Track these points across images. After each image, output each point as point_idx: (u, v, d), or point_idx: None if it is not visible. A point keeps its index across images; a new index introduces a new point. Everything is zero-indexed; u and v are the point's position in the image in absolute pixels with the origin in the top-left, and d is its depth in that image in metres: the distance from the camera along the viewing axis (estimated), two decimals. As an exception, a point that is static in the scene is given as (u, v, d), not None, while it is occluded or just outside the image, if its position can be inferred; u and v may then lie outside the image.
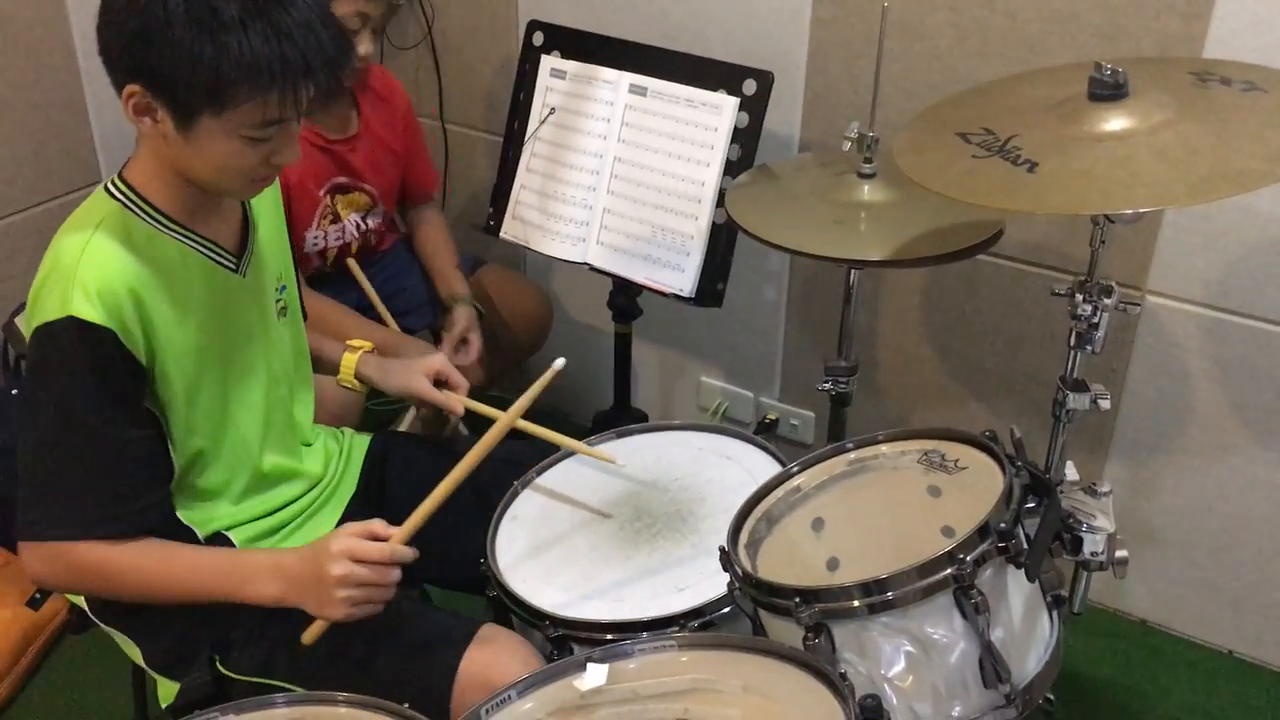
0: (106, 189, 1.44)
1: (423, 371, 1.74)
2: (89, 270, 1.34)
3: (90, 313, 1.33)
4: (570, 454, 1.76)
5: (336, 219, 2.24)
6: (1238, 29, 1.83)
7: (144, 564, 1.42)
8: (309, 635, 1.44)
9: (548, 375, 1.48)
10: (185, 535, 1.52)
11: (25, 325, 1.40)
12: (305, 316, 1.77)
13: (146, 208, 1.42)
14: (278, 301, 1.61)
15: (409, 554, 1.41)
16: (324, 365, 1.79)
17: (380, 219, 2.34)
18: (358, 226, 2.28)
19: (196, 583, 1.44)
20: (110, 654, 2.18)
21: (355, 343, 1.78)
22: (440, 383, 1.77)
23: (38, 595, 2.23)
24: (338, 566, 1.36)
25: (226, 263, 1.50)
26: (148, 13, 1.27)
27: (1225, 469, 2.13)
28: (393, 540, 1.40)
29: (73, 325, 1.33)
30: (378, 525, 1.42)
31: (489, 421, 1.76)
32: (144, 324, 1.38)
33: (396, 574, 1.40)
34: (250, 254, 1.54)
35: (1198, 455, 2.15)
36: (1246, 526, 2.16)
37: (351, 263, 2.33)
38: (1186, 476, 2.18)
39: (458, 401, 1.76)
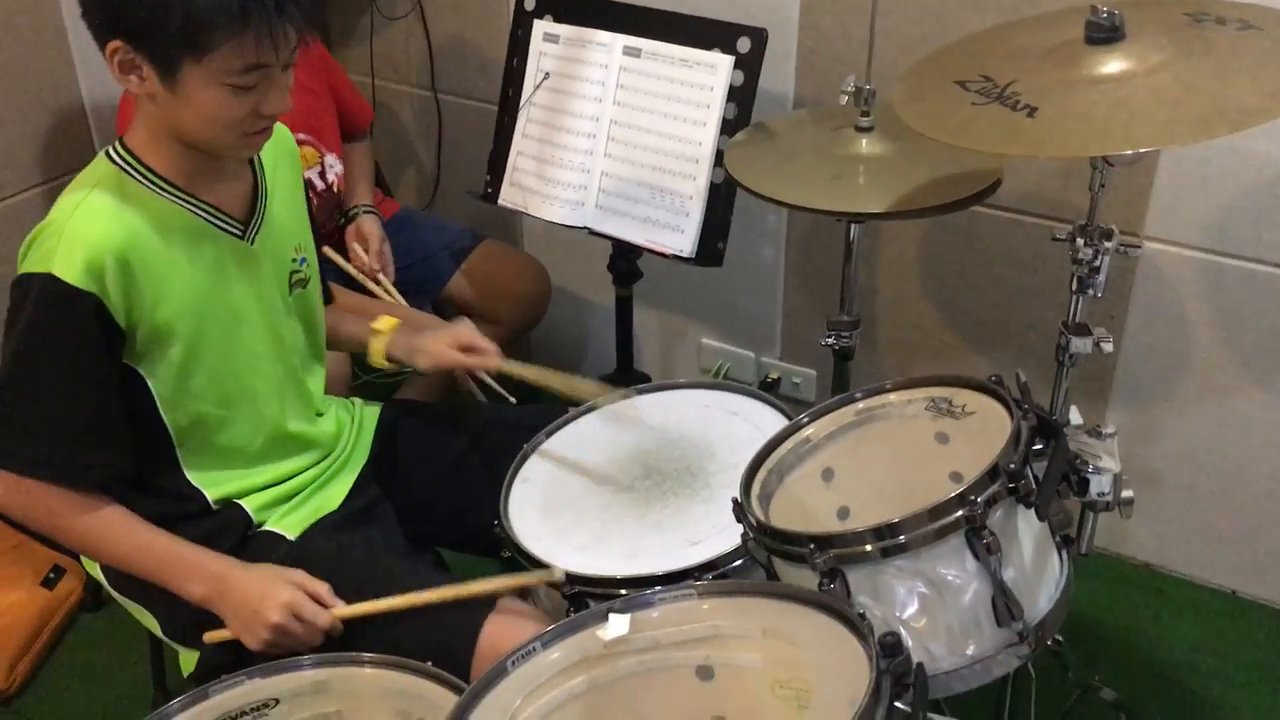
0: (107, 153, 1.45)
1: (449, 344, 1.73)
2: (78, 231, 1.37)
3: (69, 273, 1.35)
4: (577, 416, 1.77)
5: None
6: (1229, -29, 1.84)
7: (96, 525, 1.47)
8: (211, 637, 1.48)
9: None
10: (192, 498, 1.55)
11: None
12: (330, 299, 1.78)
13: (144, 171, 1.44)
14: (294, 273, 1.61)
15: (338, 633, 1.46)
16: (344, 343, 1.79)
17: (336, 170, 2.35)
18: (312, 185, 2.29)
19: (138, 560, 1.49)
20: (126, 631, 2.21)
21: (379, 325, 1.76)
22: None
23: (51, 575, 2.25)
24: (277, 615, 1.42)
25: (231, 228, 1.51)
26: None
27: (1224, 411, 2.15)
28: (334, 612, 1.45)
29: (49, 281, 1.36)
30: (325, 591, 1.46)
31: (502, 391, 1.79)
32: (128, 287, 1.39)
33: (320, 640, 1.45)
34: (259, 221, 1.55)
35: (1197, 399, 2.17)
36: (1246, 468, 2.18)
37: (328, 250, 2.33)
38: (1186, 420, 2.20)
39: (492, 364, 1.75)
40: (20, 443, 1.44)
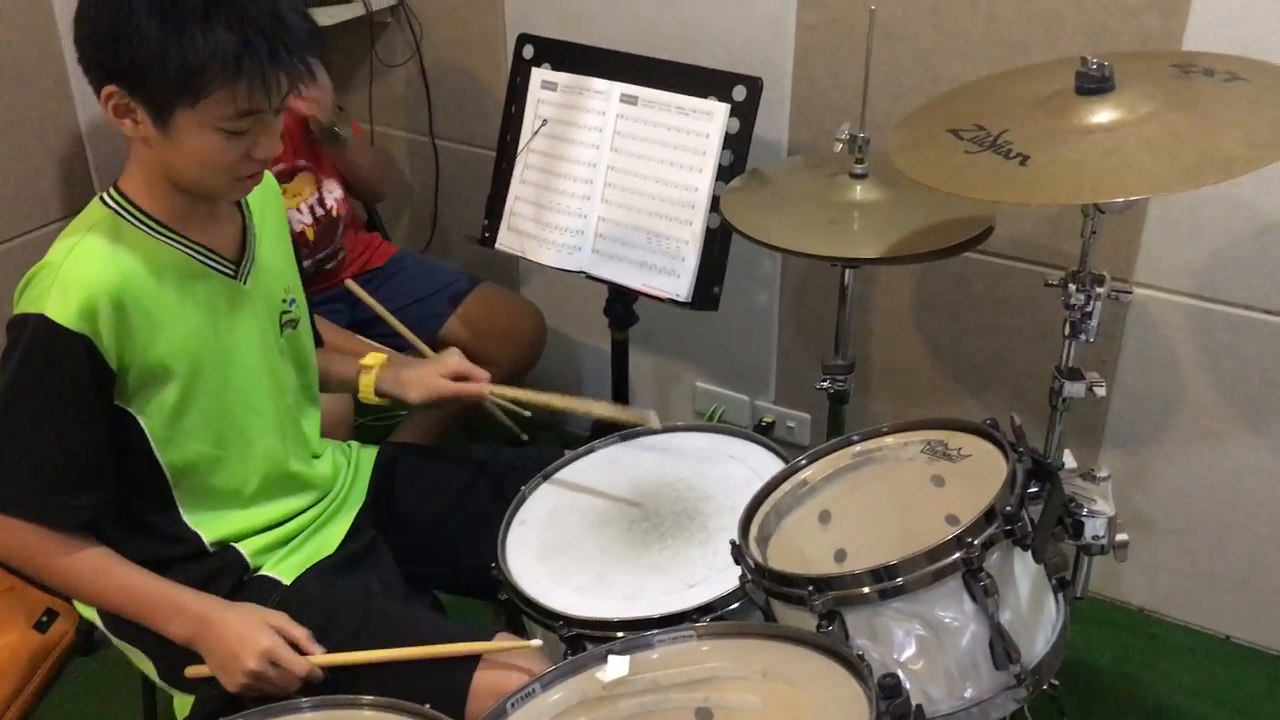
0: (101, 198, 1.47)
1: (439, 373, 1.75)
2: (71, 273, 1.38)
3: (62, 315, 1.37)
4: (574, 459, 1.78)
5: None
6: (1214, 23, 1.88)
7: (78, 565, 1.47)
8: (192, 671, 1.49)
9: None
10: (189, 540, 1.55)
11: None
12: (320, 343, 1.79)
13: (138, 214, 1.45)
14: (285, 314, 1.62)
15: (319, 678, 1.46)
16: (333, 384, 1.80)
17: (337, 195, 2.37)
18: (313, 211, 2.31)
19: (120, 601, 1.49)
20: (118, 675, 2.20)
21: (369, 360, 1.77)
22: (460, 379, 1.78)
23: (44, 618, 2.24)
24: (254, 662, 1.42)
25: (224, 269, 1.52)
26: (115, 8, 1.32)
27: (1216, 456, 2.17)
28: (313, 659, 1.45)
29: (41, 323, 1.37)
30: (304, 639, 1.46)
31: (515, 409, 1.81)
32: (121, 330, 1.41)
33: (296, 686, 1.45)
34: (250, 262, 1.56)
35: (1189, 443, 2.19)
36: (1239, 512, 2.19)
37: (351, 283, 2.36)
38: (1178, 464, 2.21)
39: (484, 390, 1.76)
40: (3, 481, 1.44)
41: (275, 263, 1.62)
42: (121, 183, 1.47)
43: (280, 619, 1.47)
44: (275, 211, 1.65)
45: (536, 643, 1.45)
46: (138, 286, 1.42)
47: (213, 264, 1.51)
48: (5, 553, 1.49)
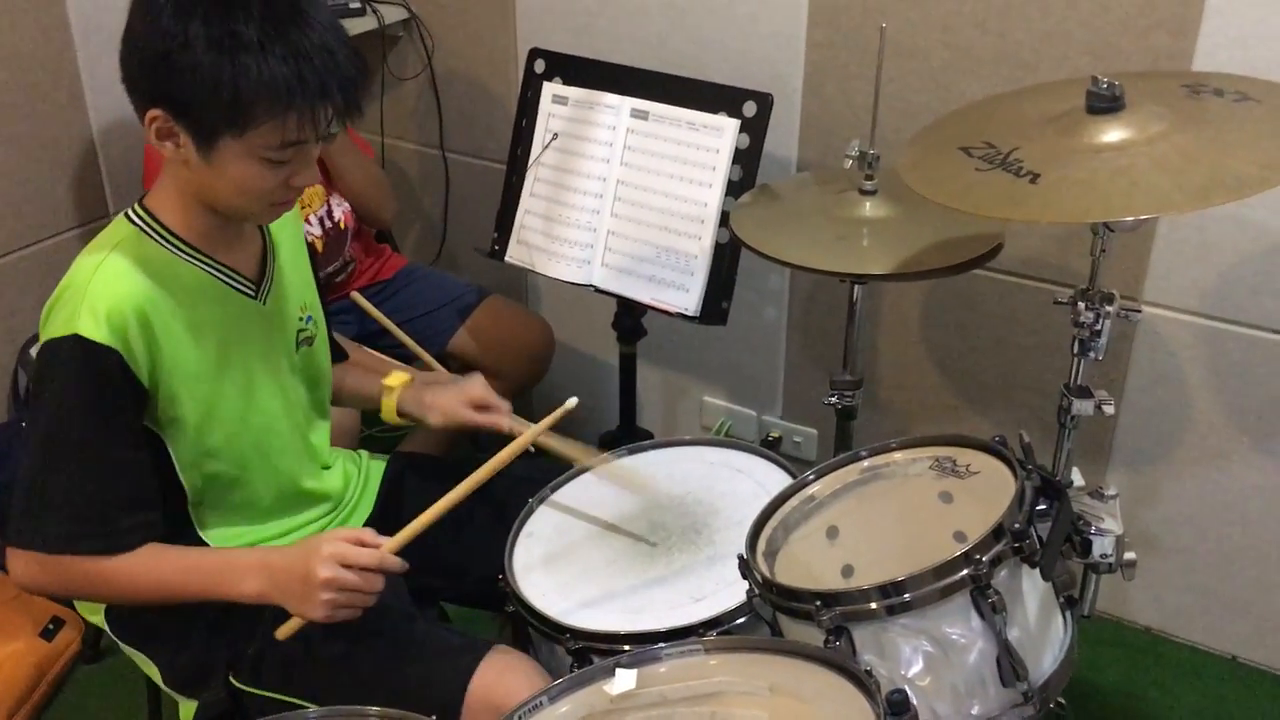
0: (126, 215, 1.47)
1: (461, 400, 1.74)
2: (99, 291, 1.38)
3: (95, 332, 1.36)
4: (581, 472, 1.78)
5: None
6: (1223, 44, 1.88)
7: (131, 567, 1.44)
8: (284, 631, 1.46)
9: (559, 412, 1.56)
10: None
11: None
12: (345, 356, 1.80)
13: (163, 232, 1.45)
14: (301, 331, 1.63)
15: (397, 564, 1.44)
16: (348, 398, 1.80)
17: (344, 207, 2.38)
18: (322, 223, 2.32)
19: (181, 583, 1.47)
20: (123, 683, 2.21)
21: (390, 381, 1.76)
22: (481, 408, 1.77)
23: (50, 626, 2.24)
24: (326, 569, 1.39)
25: (245, 289, 1.53)
26: (169, 37, 1.31)
27: (1224, 476, 2.17)
28: (382, 549, 1.44)
29: (76, 343, 1.36)
30: (368, 533, 1.45)
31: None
32: (150, 346, 1.40)
33: (381, 582, 1.43)
34: (270, 281, 1.57)
35: (1196, 463, 2.18)
36: (1246, 533, 2.19)
37: (358, 296, 2.36)
38: (1186, 484, 2.21)
39: (503, 423, 1.74)
40: (53, 522, 1.41)
41: (293, 280, 1.63)
42: (149, 200, 1.47)
43: (332, 530, 1.46)
44: (293, 229, 1.66)
45: (573, 401, 1.54)
46: (162, 304, 1.42)
47: (234, 284, 1.51)
48: (64, 590, 1.49)
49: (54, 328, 1.39)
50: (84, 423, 1.39)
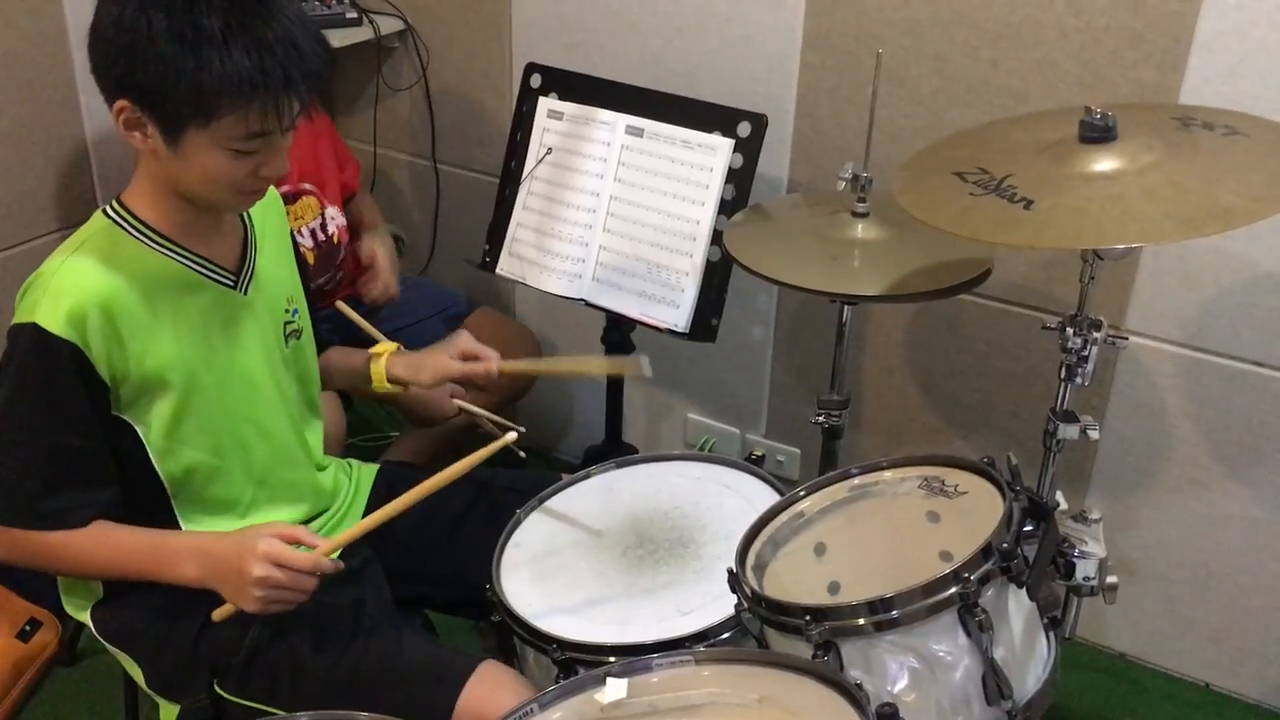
0: (103, 210, 1.49)
1: (450, 354, 1.77)
2: (62, 283, 1.40)
3: (51, 323, 1.38)
4: (570, 484, 1.78)
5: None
6: (1210, 78, 1.92)
7: (79, 543, 1.47)
8: (219, 614, 1.48)
9: (495, 445, 1.59)
10: None
11: None
12: (324, 346, 1.80)
13: (138, 225, 1.47)
14: (288, 324, 1.64)
15: (331, 566, 1.45)
16: (338, 378, 1.81)
17: (338, 221, 2.38)
18: (315, 235, 2.32)
19: (124, 562, 1.50)
20: (100, 685, 2.20)
21: (378, 349, 1.80)
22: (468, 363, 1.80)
23: (27, 628, 2.23)
24: (258, 568, 1.41)
25: (223, 279, 1.54)
26: (133, 29, 1.33)
27: (1201, 504, 2.19)
28: (318, 550, 1.45)
29: (34, 332, 1.38)
30: (303, 532, 1.46)
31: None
32: (112, 339, 1.42)
33: (313, 582, 1.44)
34: (250, 272, 1.58)
35: (1175, 491, 2.21)
36: (1222, 561, 2.21)
37: (342, 305, 2.36)
38: (1164, 511, 2.24)
39: (492, 368, 1.79)
40: (4, 495, 1.45)
41: (277, 272, 1.64)
42: (125, 195, 1.49)
43: (275, 526, 1.47)
44: (277, 221, 1.66)
45: (512, 435, 1.61)
46: (130, 297, 1.43)
47: (211, 274, 1.52)
48: (23, 561, 1.51)
49: (20, 313, 1.42)
50: (31, 407, 1.42)
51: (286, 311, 1.64)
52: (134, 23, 1.32)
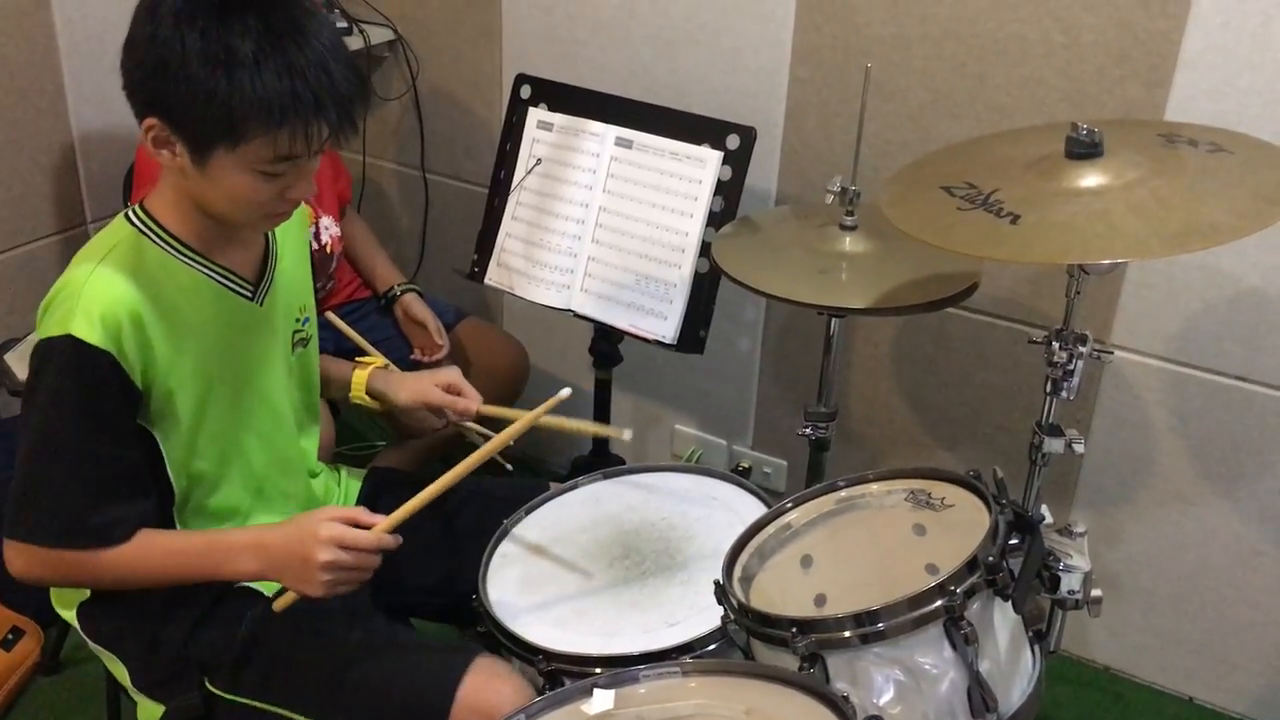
0: (126, 216, 1.48)
1: (435, 382, 1.77)
2: (94, 292, 1.39)
3: (88, 333, 1.37)
4: (558, 494, 1.79)
5: None
6: (1195, 95, 1.93)
7: (127, 557, 1.46)
8: (280, 604, 1.48)
9: (552, 401, 1.58)
10: None
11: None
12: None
13: (162, 234, 1.46)
14: (297, 333, 1.64)
15: (393, 542, 1.46)
16: (331, 385, 1.81)
17: (332, 231, 2.38)
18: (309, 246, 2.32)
19: (176, 564, 1.49)
20: (81, 695, 2.19)
21: (365, 359, 1.81)
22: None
23: (9, 637, 2.21)
24: (325, 553, 1.41)
25: (243, 291, 1.54)
26: (166, 48, 1.32)
27: (1185, 518, 2.21)
28: (377, 529, 1.45)
29: (69, 343, 1.37)
30: (362, 513, 1.46)
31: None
32: (143, 347, 1.41)
33: (378, 560, 1.45)
34: (269, 283, 1.58)
35: (1158, 504, 2.22)
36: (1206, 575, 2.22)
37: (332, 316, 2.36)
38: (1148, 525, 2.25)
39: (473, 407, 1.78)
40: (46, 517, 1.43)
41: (293, 282, 1.64)
42: (149, 202, 1.48)
43: (331, 509, 1.47)
44: (298, 230, 1.67)
45: (566, 391, 1.60)
46: (158, 306, 1.43)
47: (231, 285, 1.52)
48: (65, 581, 1.52)
49: (49, 327, 1.40)
50: (75, 420, 1.40)
51: (297, 320, 1.65)
52: (168, 42, 1.32)
